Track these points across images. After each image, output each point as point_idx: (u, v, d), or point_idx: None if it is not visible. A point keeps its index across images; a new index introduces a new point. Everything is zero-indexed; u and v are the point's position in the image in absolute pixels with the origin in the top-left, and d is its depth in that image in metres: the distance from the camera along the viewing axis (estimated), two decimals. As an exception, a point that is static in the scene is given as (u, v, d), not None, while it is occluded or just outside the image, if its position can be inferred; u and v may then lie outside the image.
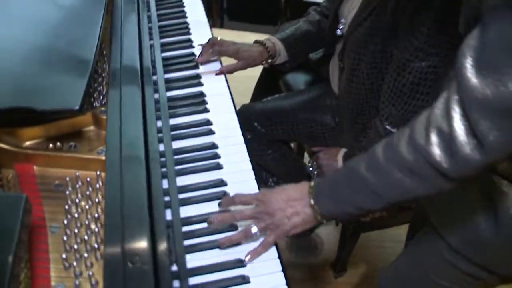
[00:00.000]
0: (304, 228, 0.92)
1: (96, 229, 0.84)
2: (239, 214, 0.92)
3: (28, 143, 0.98)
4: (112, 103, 0.98)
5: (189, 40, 1.43)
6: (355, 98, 1.29)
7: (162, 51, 1.32)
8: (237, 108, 1.22)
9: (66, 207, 0.87)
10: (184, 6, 1.59)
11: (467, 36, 0.71)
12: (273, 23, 3.01)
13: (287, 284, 0.85)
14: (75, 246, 0.81)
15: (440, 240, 1.00)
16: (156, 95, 1.09)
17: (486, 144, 0.69)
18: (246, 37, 1.72)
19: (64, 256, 0.79)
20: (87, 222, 0.85)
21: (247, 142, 1.11)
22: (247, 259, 0.87)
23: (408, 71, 1.14)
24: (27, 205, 0.72)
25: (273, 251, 0.90)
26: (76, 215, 0.86)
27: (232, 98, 1.24)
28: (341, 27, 1.33)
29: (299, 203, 0.90)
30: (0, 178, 0.91)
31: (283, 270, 0.87)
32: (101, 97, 1.11)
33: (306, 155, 1.79)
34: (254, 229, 0.90)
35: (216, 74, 1.31)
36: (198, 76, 1.30)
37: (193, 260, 0.85)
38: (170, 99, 1.20)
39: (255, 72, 1.63)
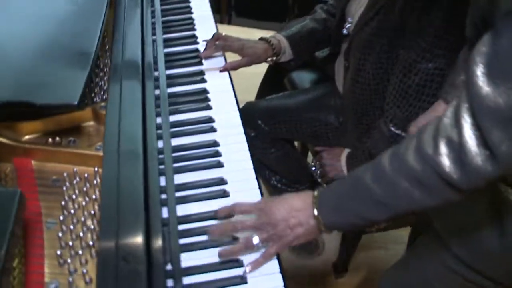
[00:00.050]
0: (307, 239, 0.88)
1: (92, 226, 0.83)
2: (240, 224, 0.88)
3: (27, 137, 0.97)
4: (112, 98, 0.97)
5: (194, 36, 1.42)
6: (359, 98, 1.28)
7: (167, 46, 1.31)
8: (241, 105, 1.21)
9: (63, 203, 0.86)
10: (190, 2, 1.58)
11: (478, 42, 0.69)
12: (281, 20, 2.99)
13: (285, 285, 0.83)
14: (70, 243, 0.80)
15: (444, 247, 0.98)
16: (157, 91, 1.08)
17: (498, 154, 0.67)
18: (254, 34, 1.70)
19: (59, 252, 0.78)
20: (83, 219, 0.84)
21: (250, 140, 1.10)
22: (247, 269, 0.84)
23: (415, 72, 1.12)
24: (21, 200, 0.71)
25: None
26: (72, 211, 0.85)
27: (235, 96, 1.22)
28: (347, 26, 1.31)
29: (302, 214, 0.86)
30: (-2, 172, 0.91)
31: (281, 271, 0.85)
32: (102, 92, 1.10)
33: (309, 154, 1.78)
34: (256, 240, 0.86)
35: (220, 71, 1.29)
36: (201, 73, 1.28)
37: (189, 259, 0.84)
38: (173, 95, 1.19)
39: (260, 69, 1.61)
